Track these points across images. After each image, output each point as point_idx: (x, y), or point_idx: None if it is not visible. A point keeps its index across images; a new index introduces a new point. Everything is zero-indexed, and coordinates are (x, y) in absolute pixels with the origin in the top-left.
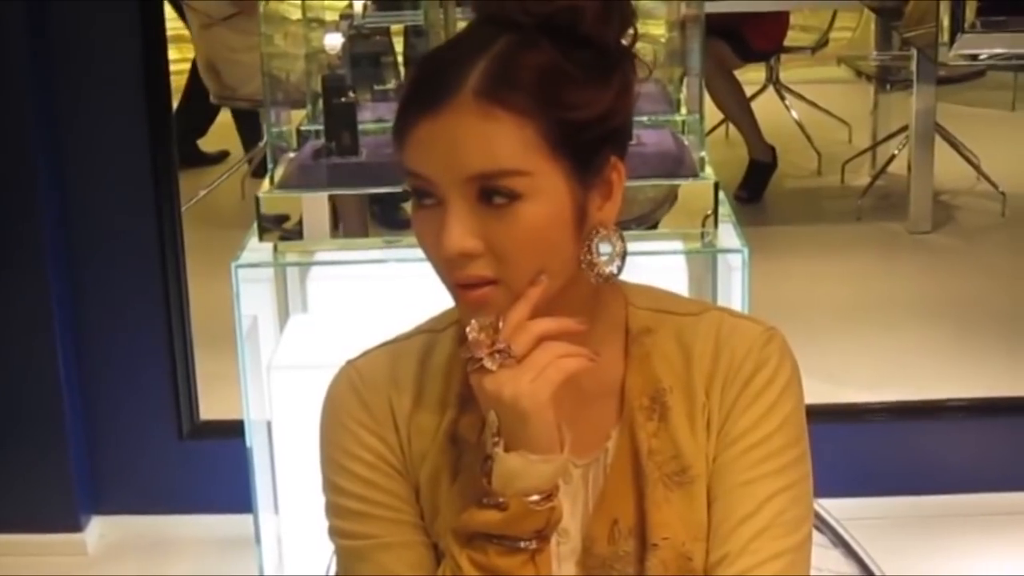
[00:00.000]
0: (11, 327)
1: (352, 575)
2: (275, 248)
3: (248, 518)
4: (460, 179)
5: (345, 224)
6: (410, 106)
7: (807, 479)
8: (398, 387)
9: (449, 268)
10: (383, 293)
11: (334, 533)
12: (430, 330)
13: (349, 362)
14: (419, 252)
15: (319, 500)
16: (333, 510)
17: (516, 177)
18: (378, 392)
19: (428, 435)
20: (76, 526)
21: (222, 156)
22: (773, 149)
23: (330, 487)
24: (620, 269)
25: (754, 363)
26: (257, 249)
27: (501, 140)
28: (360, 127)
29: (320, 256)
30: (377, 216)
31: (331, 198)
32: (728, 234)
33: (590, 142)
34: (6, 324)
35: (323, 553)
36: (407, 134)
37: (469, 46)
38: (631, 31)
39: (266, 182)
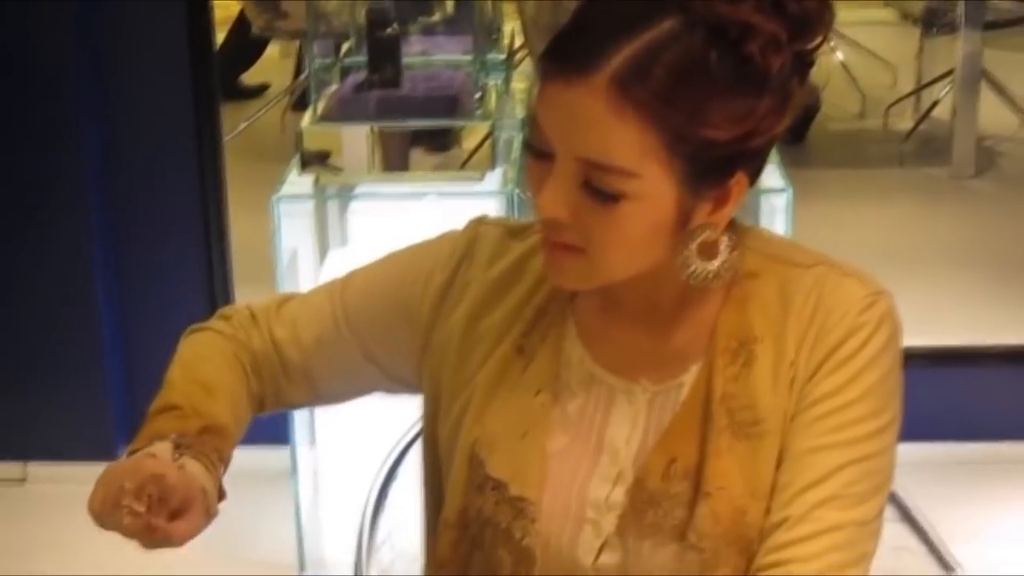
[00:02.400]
0: (52, 259)
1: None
2: (316, 181)
3: (285, 450)
4: (572, 155)
5: (385, 157)
6: (551, 58)
7: (885, 454)
8: (487, 275)
9: (541, 223)
10: (423, 227)
11: (329, 283)
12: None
13: (480, 219)
14: (458, 186)
15: (356, 435)
16: (349, 274)
17: (625, 177)
18: (472, 265)
19: (493, 338)
20: (112, 455)
21: (262, 89)
22: (817, 90)
23: (370, 264)
24: (721, 272)
25: (847, 328)
26: (297, 182)
27: (621, 138)
28: (404, 60)
29: (360, 189)
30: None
31: (372, 131)
32: (772, 174)
33: (717, 160)
34: (47, 257)
35: (360, 486)
36: (543, 84)
37: (631, 16)
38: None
39: (308, 115)
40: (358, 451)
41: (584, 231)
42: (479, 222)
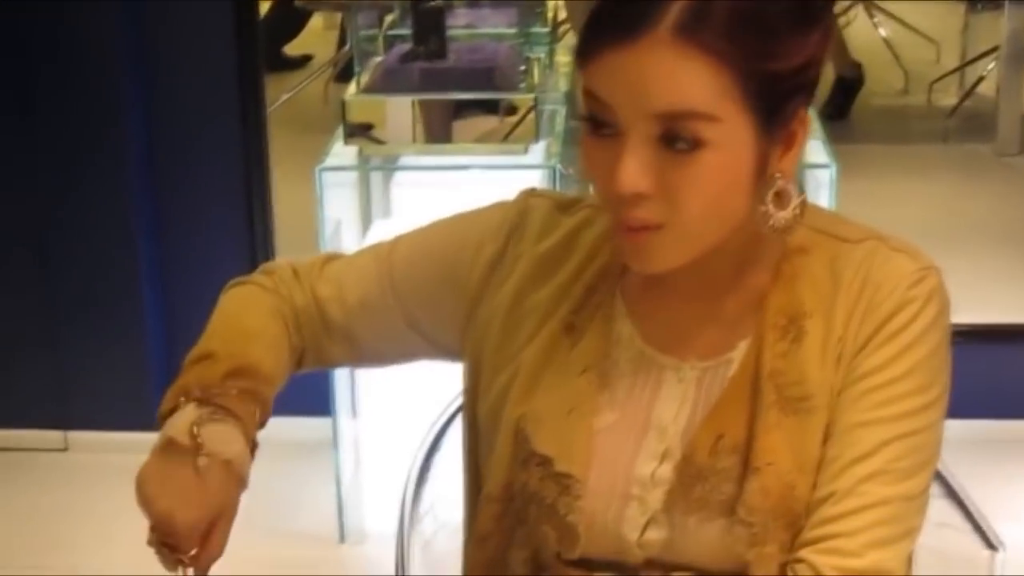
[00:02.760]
0: (94, 229)
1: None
2: (360, 152)
3: (327, 421)
4: (645, 115)
5: (429, 129)
6: (600, 29)
7: (932, 429)
8: (536, 249)
9: (617, 205)
10: (466, 200)
11: (376, 246)
12: (591, 206)
13: (530, 191)
14: (501, 159)
15: (397, 406)
16: (396, 239)
17: (704, 122)
18: (522, 238)
19: (540, 315)
20: (151, 425)
21: (305, 60)
22: (860, 66)
23: (418, 229)
24: (795, 220)
25: (896, 302)
26: (342, 153)
27: (695, 81)
28: (448, 32)
29: (404, 161)
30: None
31: (415, 103)
32: (817, 150)
33: (783, 92)
34: (89, 225)
35: (401, 458)
36: (593, 58)
37: None
38: None
39: (352, 85)
40: (399, 423)
41: (666, 197)
42: (529, 194)
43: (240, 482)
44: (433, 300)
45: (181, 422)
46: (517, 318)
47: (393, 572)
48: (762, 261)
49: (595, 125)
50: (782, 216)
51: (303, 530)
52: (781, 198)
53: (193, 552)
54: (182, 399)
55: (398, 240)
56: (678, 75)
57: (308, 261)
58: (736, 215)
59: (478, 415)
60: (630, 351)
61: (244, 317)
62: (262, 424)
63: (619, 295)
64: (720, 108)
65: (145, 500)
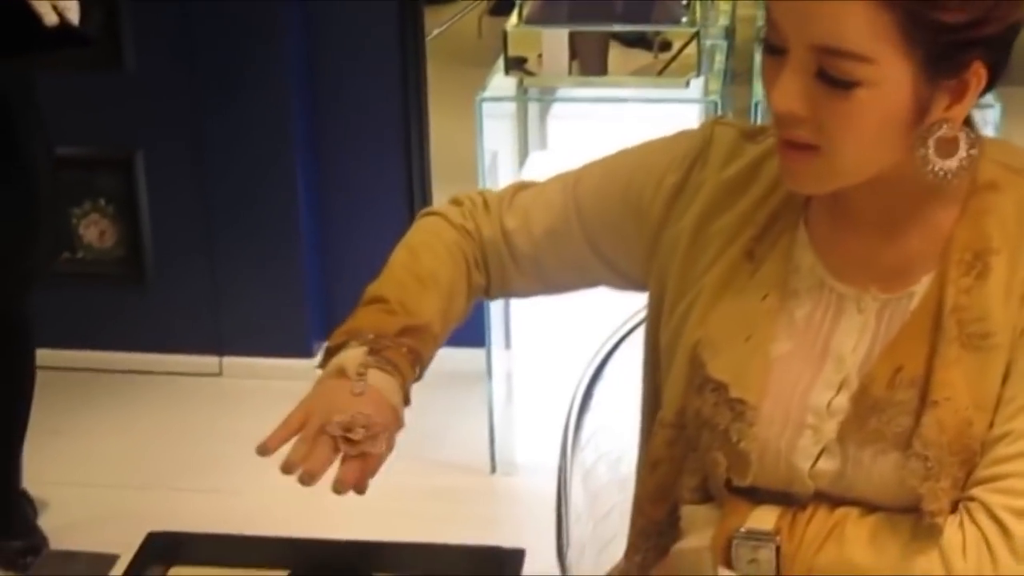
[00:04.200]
0: (252, 158)
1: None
2: (519, 83)
3: (480, 353)
4: (805, 44)
5: (584, 63)
6: None
7: None
8: (720, 176)
9: (775, 121)
10: (622, 133)
11: (563, 175)
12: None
13: (717, 119)
14: (661, 93)
15: (551, 339)
16: (582, 168)
17: (859, 63)
18: (706, 166)
19: (723, 241)
20: (307, 351)
21: None
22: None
23: (604, 159)
24: (959, 170)
25: None
26: (501, 85)
27: (852, 20)
28: None
29: (562, 94)
30: None
31: (572, 36)
32: None
33: (951, 44)
34: (247, 156)
35: (553, 390)
36: None
37: None
38: None
39: (514, 16)
40: (552, 356)
41: (819, 125)
42: (715, 123)
43: (397, 426)
44: (618, 229)
45: (351, 360)
46: (700, 244)
47: (551, 500)
48: (948, 196)
49: (770, 43)
50: (946, 164)
51: (454, 460)
52: (947, 146)
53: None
54: (352, 341)
55: (584, 170)
56: (838, 12)
57: (499, 192)
58: (891, 154)
59: (660, 343)
60: (811, 280)
61: (424, 257)
62: (418, 379)
63: (802, 224)
64: (876, 50)
65: (323, 399)
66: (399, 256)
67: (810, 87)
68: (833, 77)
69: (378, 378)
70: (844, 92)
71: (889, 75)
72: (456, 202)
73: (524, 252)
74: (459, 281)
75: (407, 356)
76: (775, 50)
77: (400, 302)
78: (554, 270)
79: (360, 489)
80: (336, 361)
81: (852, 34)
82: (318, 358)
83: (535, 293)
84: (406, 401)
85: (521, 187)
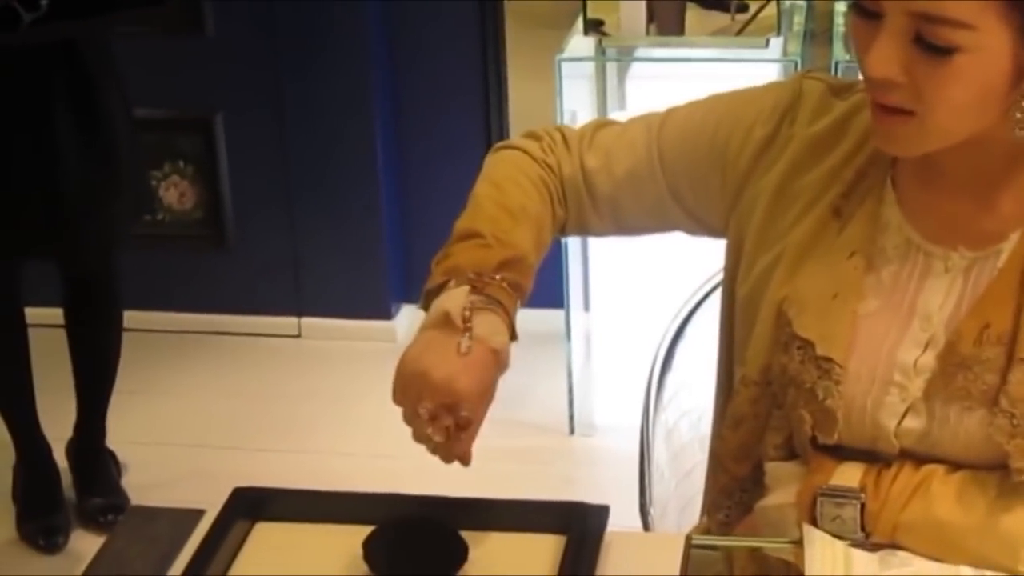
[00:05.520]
0: (332, 118)
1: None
2: (598, 44)
3: (559, 314)
4: (904, 10)
5: (661, 23)
6: None
7: None
8: (808, 132)
9: (869, 86)
10: (700, 93)
11: (647, 116)
12: (865, 90)
13: (805, 73)
14: (740, 53)
15: (629, 300)
16: (668, 111)
17: (959, 29)
18: (794, 121)
19: (809, 197)
20: (387, 313)
21: None
22: None
23: (691, 104)
24: None
25: None
26: (579, 45)
27: None
28: None
29: (640, 54)
30: None
31: None
32: None
33: None
34: (327, 116)
35: (632, 352)
36: None
37: None
38: None
39: None
40: (630, 318)
41: (915, 90)
42: (804, 76)
43: (502, 369)
44: (701, 177)
45: (455, 303)
46: (785, 200)
47: (629, 459)
48: None
49: (863, 7)
50: None
51: (533, 421)
52: None
53: (468, 423)
54: (452, 281)
55: (671, 112)
56: None
57: (579, 129)
58: (985, 118)
59: (737, 296)
60: (898, 238)
61: (511, 191)
62: (518, 309)
63: (889, 182)
64: (977, 16)
65: (424, 369)
66: (484, 189)
67: (906, 52)
68: (931, 43)
69: (484, 322)
70: (942, 58)
71: (989, 42)
72: (534, 136)
73: (604, 192)
74: (545, 214)
75: (509, 291)
76: (868, 14)
77: (495, 236)
78: (632, 212)
79: (464, 460)
80: (439, 304)
81: (954, 1)
82: (398, 320)
83: (610, 233)
84: (513, 336)
85: (602, 125)
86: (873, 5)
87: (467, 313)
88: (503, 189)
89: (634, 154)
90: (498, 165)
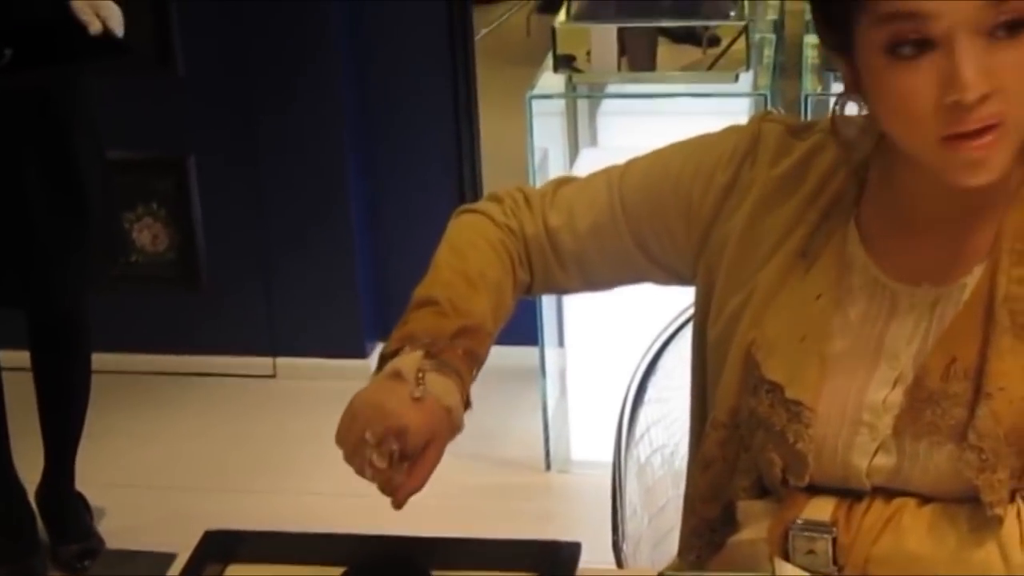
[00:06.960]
0: (304, 157)
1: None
2: (568, 80)
3: (533, 351)
4: (970, 9)
5: (633, 59)
6: None
7: None
8: (770, 174)
9: (949, 119)
10: (672, 128)
11: (607, 170)
12: (824, 131)
13: (764, 115)
14: (710, 87)
15: (603, 336)
16: (628, 163)
17: None
18: (755, 164)
19: (775, 239)
20: (361, 352)
21: None
22: None
23: (650, 154)
24: None
25: None
26: (550, 82)
27: None
28: None
29: (611, 90)
30: None
31: (620, 32)
32: None
33: None
34: (299, 154)
35: (606, 388)
36: None
37: None
38: None
39: (562, 13)
40: (604, 354)
41: (1001, 89)
42: (762, 119)
43: (454, 432)
44: (665, 226)
45: (408, 364)
46: (751, 242)
47: (606, 495)
48: (1001, 189)
49: (898, 47)
50: None
51: (509, 457)
52: None
53: (413, 451)
54: (407, 347)
55: (631, 164)
56: None
57: (541, 188)
58: None
59: (708, 339)
60: (863, 278)
61: (470, 256)
62: (474, 379)
63: (852, 222)
64: None
65: (378, 402)
66: (444, 256)
67: (987, 56)
68: (1007, 21)
69: (437, 382)
70: (1018, 39)
71: None
72: (496, 199)
73: (568, 249)
74: (505, 279)
75: (464, 358)
76: (917, 45)
77: (451, 303)
78: (598, 266)
79: (399, 497)
80: (393, 364)
81: None
82: (372, 359)
83: (579, 290)
84: (466, 404)
85: (563, 182)
86: (927, 28)
87: (420, 374)
88: (463, 255)
89: (596, 208)
90: (459, 230)
